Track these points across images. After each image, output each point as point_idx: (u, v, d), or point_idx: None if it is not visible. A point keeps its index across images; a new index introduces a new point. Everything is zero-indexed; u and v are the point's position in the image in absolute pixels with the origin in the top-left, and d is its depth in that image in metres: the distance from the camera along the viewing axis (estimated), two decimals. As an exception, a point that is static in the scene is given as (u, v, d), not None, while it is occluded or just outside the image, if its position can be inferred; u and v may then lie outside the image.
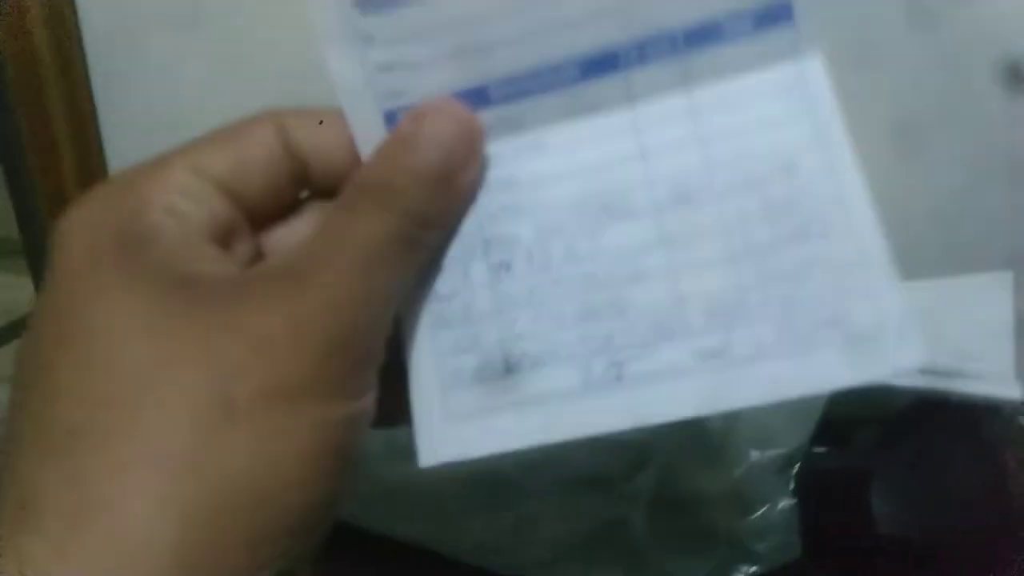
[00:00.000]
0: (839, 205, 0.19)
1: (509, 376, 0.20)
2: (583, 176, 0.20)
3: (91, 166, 0.54)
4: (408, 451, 0.40)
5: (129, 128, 0.54)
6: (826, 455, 0.38)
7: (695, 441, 0.36)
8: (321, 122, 0.20)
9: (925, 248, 0.43)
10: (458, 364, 0.20)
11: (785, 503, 0.35)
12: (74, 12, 0.54)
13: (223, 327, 0.16)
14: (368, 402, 0.18)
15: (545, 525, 0.36)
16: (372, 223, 0.18)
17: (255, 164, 0.19)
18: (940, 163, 0.47)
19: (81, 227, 0.17)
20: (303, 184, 0.20)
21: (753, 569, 0.34)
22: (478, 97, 0.20)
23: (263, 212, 0.20)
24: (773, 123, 0.20)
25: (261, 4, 0.54)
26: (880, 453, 0.38)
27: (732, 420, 0.37)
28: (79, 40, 0.54)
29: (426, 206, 0.18)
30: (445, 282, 0.20)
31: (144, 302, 0.16)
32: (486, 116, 0.20)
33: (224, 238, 0.19)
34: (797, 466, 0.36)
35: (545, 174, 0.20)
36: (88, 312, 0.16)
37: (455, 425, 0.20)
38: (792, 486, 0.36)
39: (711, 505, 0.35)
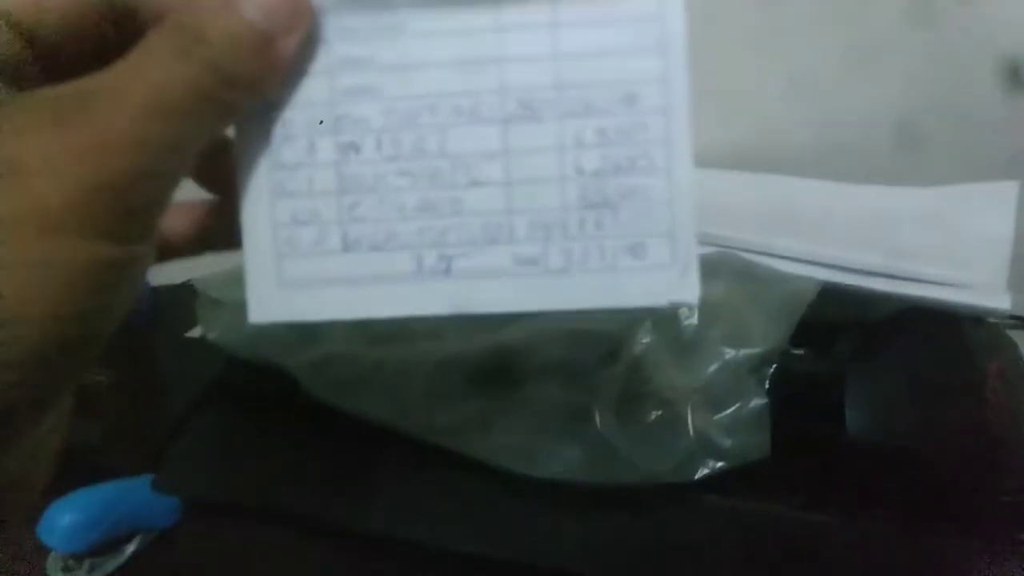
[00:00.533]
0: (666, 145, 0.20)
1: (345, 254, 0.21)
2: (439, 71, 0.21)
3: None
4: (381, 337, 0.40)
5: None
6: (803, 357, 0.37)
7: (668, 337, 0.36)
8: None
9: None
10: (295, 234, 0.21)
11: (757, 402, 0.35)
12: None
13: None
14: (139, 251, 0.17)
15: (512, 412, 0.36)
16: (170, 69, 0.17)
17: (56, 4, 0.18)
18: (940, 163, 0.47)
19: None
20: (133, 28, 0.19)
21: (720, 465, 0.34)
22: None
23: (70, 57, 0.18)
24: (625, 52, 0.20)
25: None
26: (858, 358, 0.37)
27: (709, 319, 0.36)
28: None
29: (235, 66, 0.18)
30: (290, 152, 0.21)
31: None
32: None
33: (10, 77, 0.18)
34: (773, 366, 0.36)
35: (403, 60, 0.21)
36: None
37: (287, 290, 0.21)
38: (767, 385, 0.36)
39: (681, 400, 0.35)
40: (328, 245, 0.21)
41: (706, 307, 0.36)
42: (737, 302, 0.36)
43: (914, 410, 0.36)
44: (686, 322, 0.36)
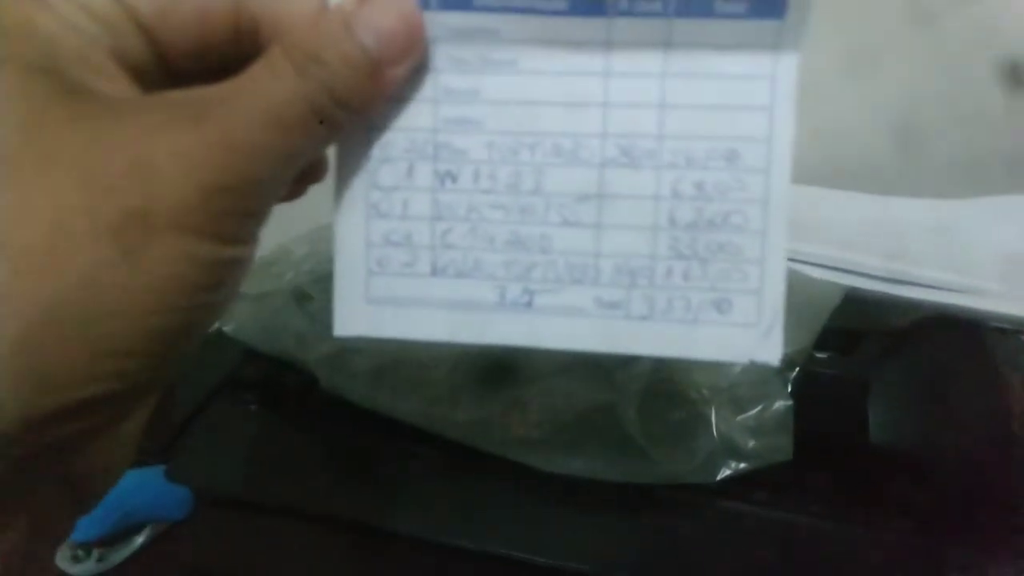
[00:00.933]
0: (762, 205, 0.20)
1: (432, 278, 0.21)
2: (544, 109, 0.21)
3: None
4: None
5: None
6: (828, 361, 0.37)
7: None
8: None
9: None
10: (386, 254, 0.21)
11: (781, 404, 0.35)
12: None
13: (105, 142, 0.16)
14: (242, 252, 0.18)
15: (534, 408, 0.35)
16: (287, 84, 0.17)
17: (185, 12, 0.18)
18: (940, 163, 0.47)
19: None
20: (251, 48, 0.19)
21: (742, 466, 0.34)
22: None
23: (192, 65, 0.19)
24: (733, 107, 0.20)
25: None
26: (882, 364, 0.37)
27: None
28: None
29: (346, 87, 0.18)
30: (388, 175, 0.21)
31: (25, 97, 0.16)
32: (465, 19, 0.20)
33: (134, 76, 0.18)
34: (797, 369, 0.36)
35: (508, 95, 0.21)
36: None
37: (373, 307, 0.22)
38: (790, 388, 0.35)
39: (704, 400, 0.35)
40: (417, 268, 0.21)
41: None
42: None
43: (937, 418, 0.36)
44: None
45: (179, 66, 0.19)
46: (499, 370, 0.37)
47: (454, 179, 0.21)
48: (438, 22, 0.20)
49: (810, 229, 0.41)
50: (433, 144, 0.21)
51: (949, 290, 0.39)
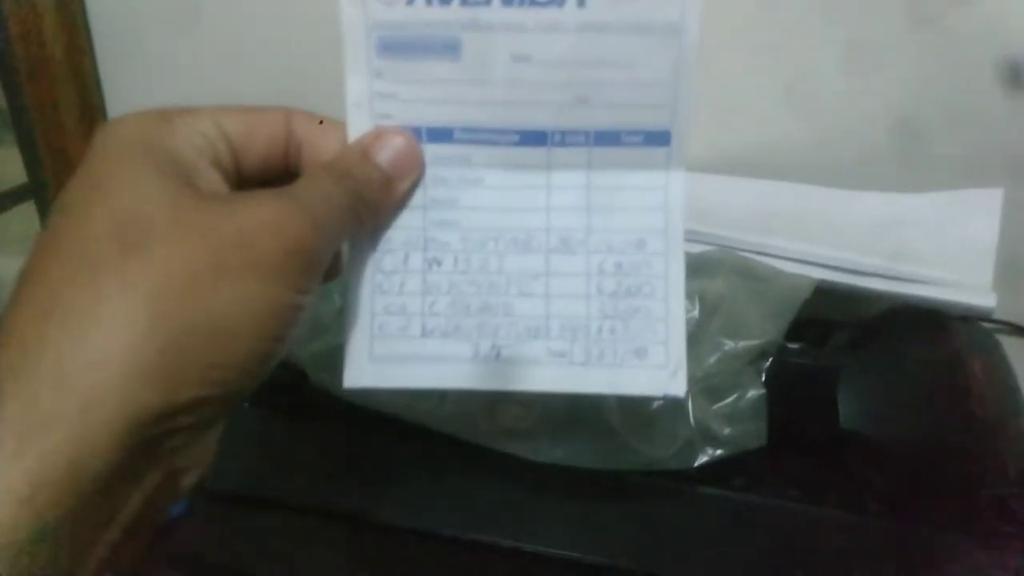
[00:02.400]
0: (664, 279, 0.27)
1: (422, 339, 0.27)
2: (504, 213, 0.27)
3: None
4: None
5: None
6: (799, 351, 0.39)
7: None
8: (321, 122, 0.26)
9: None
10: (386, 322, 0.27)
11: (755, 393, 0.36)
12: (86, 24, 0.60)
13: (219, 218, 0.21)
14: (304, 300, 0.23)
15: (519, 401, 0.37)
16: (331, 187, 0.24)
17: (261, 136, 0.25)
18: (940, 163, 0.48)
19: (117, 131, 0.23)
20: (293, 167, 0.26)
21: (719, 452, 0.35)
22: (444, 134, 0.27)
23: (255, 174, 0.25)
24: (639, 209, 0.27)
25: (261, 2, 0.55)
26: (850, 354, 0.39)
27: (709, 312, 0.38)
28: (91, 43, 0.62)
29: (369, 195, 0.25)
30: (389, 262, 0.27)
31: (160, 186, 0.22)
32: (446, 149, 0.27)
33: (223, 178, 0.24)
34: (770, 359, 0.37)
35: (478, 203, 0.27)
36: (116, 181, 0.22)
37: (376, 364, 0.27)
38: (763, 378, 0.37)
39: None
40: (410, 332, 0.27)
41: (706, 301, 0.38)
42: (736, 297, 0.38)
43: (904, 404, 0.38)
44: (687, 315, 0.37)
45: (249, 175, 0.25)
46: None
47: (439, 264, 0.27)
48: (427, 152, 0.27)
49: (780, 224, 0.43)
50: (424, 239, 0.27)
51: (913, 281, 0.41)
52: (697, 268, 0.40)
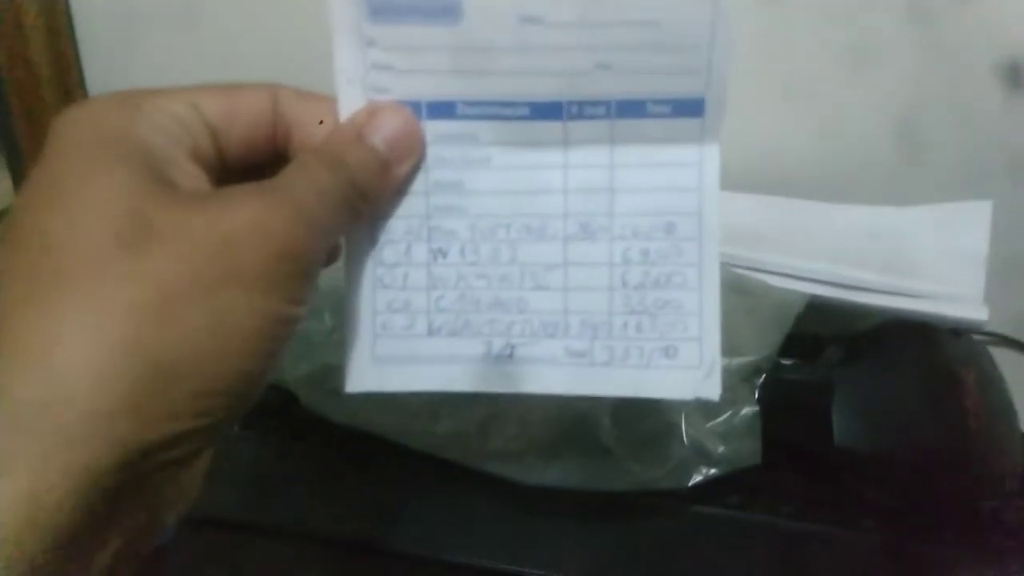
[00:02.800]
0: (697, 267, 0.24)
1: (429, 338, 0.25)
2: (516, 196, 0.25)
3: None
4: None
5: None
6: (792, 367, 0.38)
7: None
8: (311, 99, 0.24)
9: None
10: (390, 319, 0.25)
11: (748, 410, 0.36)
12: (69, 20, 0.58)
13: (197, 222, 0.19)
14: (298, 310, 0.21)
15: (512, 421, 0.36)
16: (323, 178, 0.21)
17: (243, 118, 0.22)
18: (940, 163, 0.48)
19: (76, 122, 0.20)
20: (282, 150, 0.23)
21: (713, 471, 0.35)
22: (447, 109, 0.24)
23: (239, 161, 0.23)
24: (669, 189, 0.24)
25: (257, 3, 0.54)
26: (843, 368, 0.38)
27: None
28: (74, 42, 0.59)
29: (364, 181, 0.22)
30: (390, 253, 0.25)
31: (126, 184, 0.19)
32: (449, 126, 0.24)
33: (204, 170, 0.22)
34: (763, 376, 0.37)
35: (486, 187, 0.25)
36: (75, 183, 0.19)
37: (379, 366, 0.25)
38: (757, 395, 0.37)
39: (674, 408, 0.36)
40: (416, 330, 0.25)
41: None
42: (729, 313, 0.37)
43: (897, 418, 0.37)
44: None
45: (233, 160, 0.23)
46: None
47: (445, 255, 0.25)
48: (428, 129, 0.24)
49: (772, 239, 0.43)
50: (427, 227, 0.25)
51: (905, 295, 0.41)
52: (689, 284, 0.40)
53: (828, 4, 0.47)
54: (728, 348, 0.37)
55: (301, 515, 0.38)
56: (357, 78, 0.24)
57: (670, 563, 0.35)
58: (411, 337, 0.25)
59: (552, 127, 0.24)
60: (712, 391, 0.25)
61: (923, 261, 0.42)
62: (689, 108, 0.24)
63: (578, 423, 0.36)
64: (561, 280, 0.25)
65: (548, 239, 0.25)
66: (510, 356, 0.25)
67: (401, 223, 0.25)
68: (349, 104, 0.24)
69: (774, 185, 0.48)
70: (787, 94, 0.49)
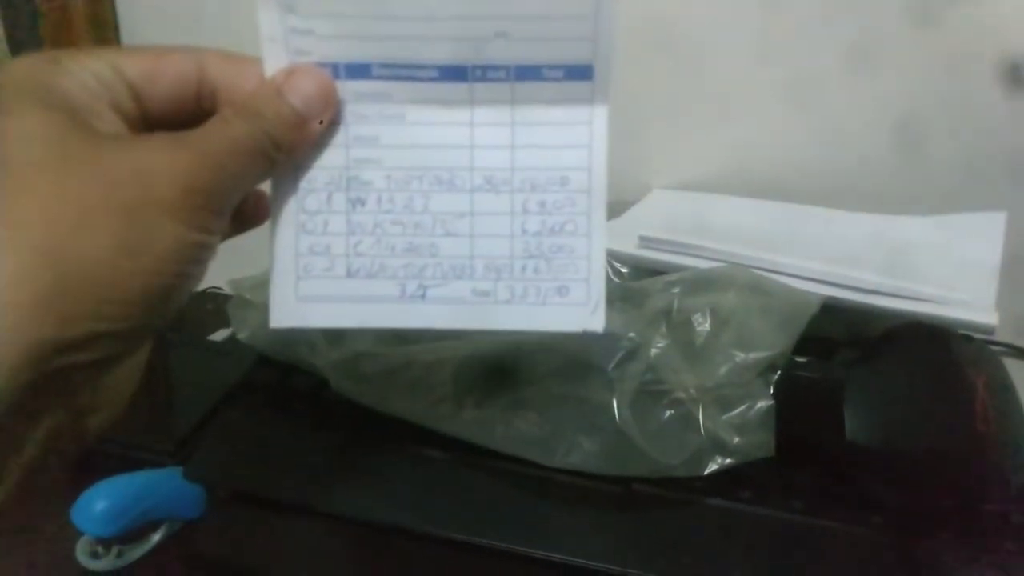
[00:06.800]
0: (586, 216, 0.27)
1: (347, 279, 0.27)
2: (427, 151, 0.27)
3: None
4: (407, 336, 0.42)
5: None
6: (807, 365, 0.39)
7: (683, 341, 0.38)
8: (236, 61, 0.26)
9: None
10: (311, 262, 0.27)
11: (763, 404, 0.37)
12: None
13: (113, 157, 0.22)
14: (211, 240, 0.23)
15: (534, 407, 0.38)
16: (239, 129, 0.24)
17: (166, 78, 0.25)
18: (940, 162, 0.49)
19: (8, 71, 0.22)
20: (209, 109, 0.26)
21: (728, 461, 0.36)
22: (362, 70, 0.26)
23: (164, 119, 0.25)
24: (563, 145, 0.27)
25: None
26: (856, 368, 0.39)
27: (720, 325, 0.39)
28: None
29: (280, 135, 0.25)
30: (312, 201, 0.27)
31: (47, 122, 0.21)
32: (366, 85, 0.27)
33: (125, 123, 0.24)
34: (778, 372, 0.38)
35: (400, 140, 0.27)
36: (2, 119, 0.21)
37: (302, 304, 0.27)
38: (772, 390, 0.38)
39: (693, 399, 0.37)
40: (335, 272, 0.27)
41: (718, 314, 0.39)
42: (746, 311, 0.39)
43: (908, 419, 0.38)
44: (699, 328, 0.38)
45: (157, 119, 0.25)
46: (500, 372, 0.39)
47: (363, 204, 0.27)
48: (346, 88, 0.27)
49: (791, 243, 0.44)
50: (346, 178, 0.27)
51: (918, 299, 0.42)
52: (710, 283, 0.41)
53: (828, 4, 0.48)
54: (745, 343, 0.38)
55: (329, 494, 0.39)
56: (279, 39, 0.26)
57: (679, 553, 0.36)
58: (331, 278, 0.27)
59: (459, 88, 0.27)
60: (597, 324, 0.27)
61: (937, 269, 0.43)
62: (579, 72, 0.26)
63: (600, 410, 0.37)
64: (468, 228, 0.27)
65: (457, 190, 0.27)
66: (422, 296, 0.27)
67: (323, 173, 0.27)
68: (273, 63, 0.26)
69: (774, 184, 0.48)
70: (787, 94, 0.50)
